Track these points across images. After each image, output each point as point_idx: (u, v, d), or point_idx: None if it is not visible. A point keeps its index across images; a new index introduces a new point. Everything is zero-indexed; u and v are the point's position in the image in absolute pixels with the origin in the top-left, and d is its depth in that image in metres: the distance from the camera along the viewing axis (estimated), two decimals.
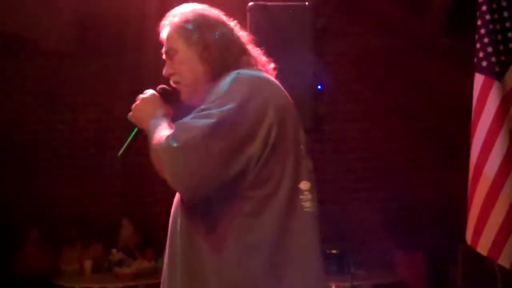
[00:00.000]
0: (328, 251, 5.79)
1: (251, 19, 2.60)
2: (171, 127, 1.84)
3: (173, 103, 2.03)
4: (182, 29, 2.01)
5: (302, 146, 1.94)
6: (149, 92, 2.05)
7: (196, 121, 1.78)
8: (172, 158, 1.75)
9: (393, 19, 5.90)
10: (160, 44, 2.10)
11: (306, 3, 3.22)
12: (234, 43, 2.03)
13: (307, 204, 1.88)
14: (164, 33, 2.07)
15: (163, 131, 1.83)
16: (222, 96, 1.83)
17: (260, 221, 1.81)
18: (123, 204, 6.65)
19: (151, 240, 6.13)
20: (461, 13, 4.57)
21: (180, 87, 2.04)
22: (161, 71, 2.07)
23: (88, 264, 5.84)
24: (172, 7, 2.11)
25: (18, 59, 6.69)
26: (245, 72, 1.94)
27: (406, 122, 6.25)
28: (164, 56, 2.07)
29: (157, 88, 2.06)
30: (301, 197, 1.88)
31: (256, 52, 2.08)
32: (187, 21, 2.02)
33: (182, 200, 1.91)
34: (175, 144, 1.73)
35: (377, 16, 5.95)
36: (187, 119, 1.82)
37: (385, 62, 6.24)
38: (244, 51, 2.05)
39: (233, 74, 1.90)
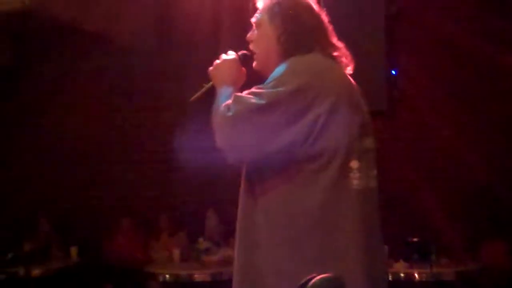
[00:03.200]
0: (409, 239, 5.80)
1: (325, 5, 2.70)
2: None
3: (250, 68, 2.26)
4: (270, 9, 2.20)
5: (356, 128, 2.07)
6: (231, 55, 2.26)
7: (250, 98, 2.02)
8: (224, 124, 2.02)
9: (471, 11, 5.82)
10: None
11: None
12: (314, 33, 2.17)
13: (355, 182, 2.04)
14: (259, 3, 2.26)
15: (225, 99, 2.08)
16: (277, 79, 2.04)
17: (308, 192, 2.01)
18: (207, 194, 6.83)
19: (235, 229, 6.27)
20: None
21: (255, 56, 2.25)
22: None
23: (176, 252, 6.08)
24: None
25: (94, 56, 6.97)
26: (310, 58, 2.11)
27: (477, 112, 6.14)
28: (252, 22, 2.27)
29: (239, 53, 2.27)
30: (351, 174, 2.04)
31: (337, 42, 2.20)
32: (278, 3, 2.19)
33: (244, 177, 2.13)
34: (228, 113, 2.01)
35: (454, 5, 5.87)
36: (244, 94, 2.07)
37: (460, 52, 6.14)
38: (321, 41, 2.17)
39: (298, 59, 2.10)
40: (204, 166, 6.35)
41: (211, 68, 2.26)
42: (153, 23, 6.49)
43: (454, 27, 5.84)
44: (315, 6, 2.22)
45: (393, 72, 3.33)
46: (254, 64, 2.25)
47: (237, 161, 2.08)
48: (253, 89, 2.06)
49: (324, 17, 2.22)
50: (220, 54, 2.27)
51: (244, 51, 2.27)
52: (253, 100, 2.00)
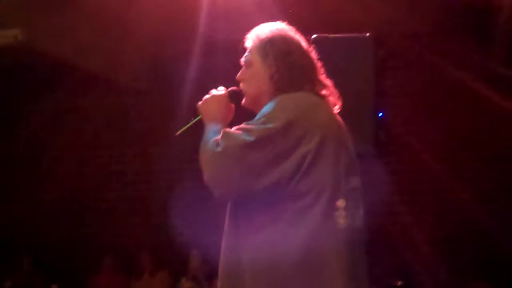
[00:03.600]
0: (393, 283, 5.79)
1: (315, 50, 2.76)
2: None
3: (238, 104, 2.28)
4: (262, 47, 2.21)
5: (343, 167, 2.07)
6: (221, 90, 2.29)
7: (239, 134, 2.03)
8: (212, 159, 2.03)
9: (458, 53, 5.93)
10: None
11: (368, 34, 3.40)
12: (307, 71, 2.19)
13: (341, 221, 2.02)
14: (248, 43, 2.27)
15: (214, 135, 2.09)
16: (266, 115, 2.05)
17: (293, 231, 1.99)
18: (191, 236, 6.79)
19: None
20: None
21: (245, 95, 2.27)
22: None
23: None
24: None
25: (92, 96, 7.03)
26: (298, 96, 2.13)
27: (468, 153, 6.19)
28: (242, 62, 2.28)
29: (229, 89, 2.29)
30: (336, 213, 2.02)
31: (325, 80, 2.23)
32: (269, 42, 2.20)
33: (228, 212, 2.13)
34: (217, 149, 2.01)
35: (441, 49, 5.99)
36: (233, 130, 2.07)
37: (448, 94, 6.24)
38: (314, 80, 2.20)
39: (286, 96, 2.11)
40: (189, 204, 6.42)
41: (200, 102, 2.27)
42: (148, 63, 6.56)
43: (445, 70, 5.95)
44: (304, 44, 2.24)
45: (381, 114, 3.38)
46: (244, 101, 2.27)
47: (223, 197, 2.07)
48: (243, 125, 2.06)
49: (314, 55, 2.25)
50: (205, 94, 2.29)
51: (234, 87, 2.29)
52: (243, 136, 2.01)
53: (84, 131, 7.08)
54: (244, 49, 2.29)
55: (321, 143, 2.03)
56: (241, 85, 2.28)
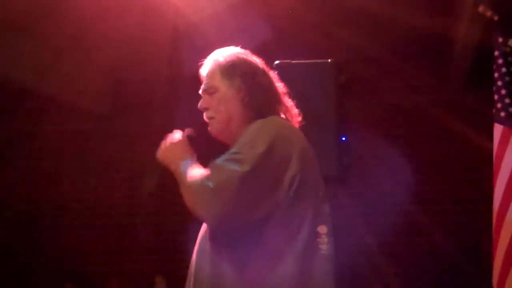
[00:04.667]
0: None
1: (277, 75, 2.80)
2: (202, 168, 2.02)
3: (197, 146, 2.19)
4: (227, 71, 2.15)
5: (321, 192, 2.07)
6: (177, 134, 2.20)
7: (230, 165, 1.94)
8: (207, 197, 1.93)
9: (417, 77, 6.06)
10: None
11: (329, 60, 3.47)
12: (272, 92, 2.18)
13: (324, 247, 2.00)
14: (205, 70, 2.21)
15: (196, 171, 2.00)
16: (251, 142, 1.99)
17: (281, 261, 1.94)
18: (156, 262, 6.73)
19: None
20: (481, 68, 4.73)
21: (212, 122, 2.19)
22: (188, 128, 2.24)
23: None
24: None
25: (52, 122, 6.94)
26: (274, 119, 2.11)
27: (429, 176, 6.28)
28: (201, 91, 2.22)
29: (185, 131, 2.21)
30: (319, 240, 2.00)
31: (288, 102, 2.24)
32: (233, 65, 2.15)
33: (211, 234, 2.06)
34: (210, 185, 1.91)
35: (400, 74, 6.12)
36: (221, 161, 1.98)
37: (408, 119, 6.35)
38: (279, 101, 2.19)
39: (263, 120, 2.08)
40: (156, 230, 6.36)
41: (159, 151, 2.18)
42: (109, 87, 6.51)
43: (403, 93, 6.07)
44: (264, 66, 2.23)
45: (343, 138, 3.43)
46: (212, 130, 2.19)
47: (219, 230, 2.00)
48: (229, 156, 1.99)
49: (273, 76, 2.24)
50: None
51: (189, 129, 2.21)
52: (235, 167, 1.93)
53: (43, 158, 6.96)
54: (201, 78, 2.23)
55: (303, 167, 2.01)
56: (204, 115, 2.21)
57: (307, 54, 3.84)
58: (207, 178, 1.94)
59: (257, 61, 2.23)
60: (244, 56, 2.21)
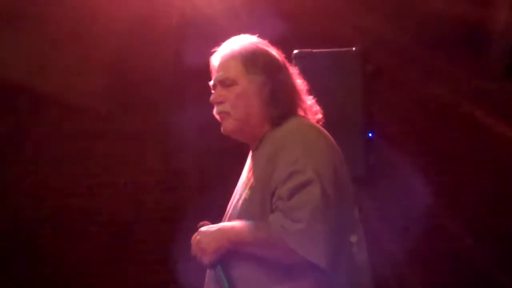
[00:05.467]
0: None
1: (297, 66, 2.54)
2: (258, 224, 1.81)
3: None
4: (249, 63, 1.93)
5: (351, 196, 1.93)
6: (205, 226, 1.95)
7: (304, 194, 1.74)
8: (302, 237, 1.71)
9: (447, 68, 5.79)
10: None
11: (354, 48, 3.17)
12: (293, 89, 1.98)
13: (358, 257, 1.87)
14: (219, 59, 1.98)
15: (262, 228, 1.79)
16: (303, 155, 1.81)
17: (334, 278, 1.78)
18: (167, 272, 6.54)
19: None
20: None
21: (226, 118, 1.96)
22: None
23: None
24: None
25: (51, 120, 6.75)
26: (306, 125, 1.94)
27: (463, 176, 5.98)
28: (212, 82, 2.00)
29: (200, 224, 1.97)
30: (353, 250, 1.85)
31: (309, 100, 2.03)
32: (255, 57, 1.94)
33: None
34: (300, 226, 1.71)
35: (431, 64, 5.84)
36: (290, 199, 1.75)
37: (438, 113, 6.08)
38: (300, 99, 1.99)
39: (298, 129, 1.90)
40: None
41: (195, 243, 1.90)
42: (108, 86, 6.31)
43: (433, 86, 5.79)
44: (284, 59, 2.02)
45: (370, 135, 3.16)
46: (225, 126, 1.97)
47: (328, 264, 1.75)
48: (291, 181, 1.76)
49: (294, 72, 2.03)
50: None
51: (205, 222, 1.96)
52: (311, 196, 1.73)
53: (38, 160, 6.70)
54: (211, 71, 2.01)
55: (341, 173, 1.87)
56: (215, 109, 1.97)
57: (327, 43, 3.57)
58: (291, 221, 1.73)
59: (278, 54, 2.01)
60: (266, 48, 1.98)
